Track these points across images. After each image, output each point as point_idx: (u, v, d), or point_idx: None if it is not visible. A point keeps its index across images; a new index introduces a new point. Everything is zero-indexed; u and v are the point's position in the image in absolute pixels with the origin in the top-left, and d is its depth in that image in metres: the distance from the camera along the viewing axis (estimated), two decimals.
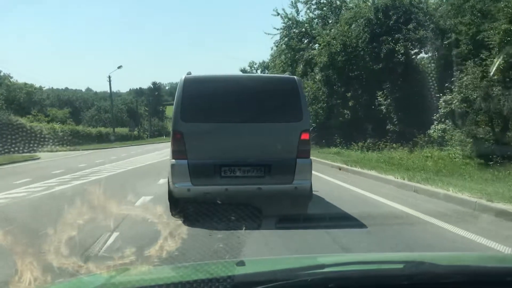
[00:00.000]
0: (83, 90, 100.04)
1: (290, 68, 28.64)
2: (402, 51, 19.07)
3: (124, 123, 65.69)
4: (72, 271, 2.16)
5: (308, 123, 5.80)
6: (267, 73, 39.67)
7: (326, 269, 1.63)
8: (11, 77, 60.52)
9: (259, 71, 59.08)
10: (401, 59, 19.44)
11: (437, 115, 15.67)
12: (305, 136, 5.70)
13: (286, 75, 7.05)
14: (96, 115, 65.77)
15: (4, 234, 2.33)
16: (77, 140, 37.13)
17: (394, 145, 16.88)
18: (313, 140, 26.97)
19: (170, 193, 5.60)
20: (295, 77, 6.17)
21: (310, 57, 26.70)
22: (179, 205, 5.43)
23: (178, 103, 5.66)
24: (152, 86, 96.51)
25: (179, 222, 4.14)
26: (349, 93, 22.03)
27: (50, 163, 17.27)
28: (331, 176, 10.06)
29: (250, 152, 5.51)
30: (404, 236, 4.67)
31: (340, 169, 11.82)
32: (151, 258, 2.45)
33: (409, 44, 19.03)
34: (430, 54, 18.97)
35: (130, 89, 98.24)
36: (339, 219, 5.37)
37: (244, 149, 5.51)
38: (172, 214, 5.29)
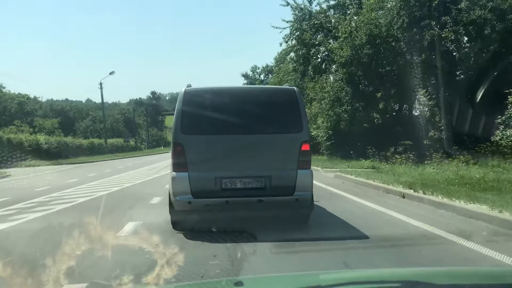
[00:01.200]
0: (83, 101, 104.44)
1: (302, 67, 26.26)
2: (452, 38, 16.06)
3: (121, 134, 66.16)
4: None
5: (308, 134, 6.08)
6: (271, 77, 39.17)
7: None
8: (4, 87, 57.61)
9: (262, 76, 58.35)
10: (450, 48, 16.76)
11: (504, 117, 13.18)
12: (305, 147, 5.86)
13: (286, 86, 7.11)
14: (91, 126, 65.03)
15: None
16: (65, 153, 35.48)
17: (435, 155, 14.91)
18: (328, 149, 23.83)
19: (171, 206, 5.89)
20: (294, 88, 6.41)
21: (326, 53, 24.32)
22: (180, 218, 5.71)
23: (178, 115, 5.92)
24: (151, 95, 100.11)
25: (175, 250, 4.06)
26: (379, 93, 17.35)
27: (4, 184, 15.14)
28: (402, 213, 7.06)
29: (250, 163, 5.74)
30: None
31: (403, 197, 8.56)
32: (148, 285, 2.55)
33: (461, 28, 15.99)
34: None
35: (130, 100, 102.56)
36: None
37: (245, 160, 5.75)
38: (173, 227, 5.70)
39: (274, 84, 36.89)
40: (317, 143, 25.08)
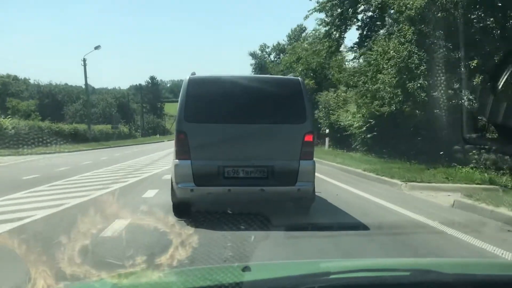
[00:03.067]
0: (83, 86, 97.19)
1: (336, 32, 20.86)
2: None
3: (114, 119, 61.71)
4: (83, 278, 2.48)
5: (311, 124, 6.58)
6: (284, 56, 37.23)
7: (332, 276, 1.77)
8: None
9: (272, 56, 54.04)
10: None
11: None
12: (308, 137, 6.31)
13: (290, 76, 7.68)
14: (81, 110, 60.22)
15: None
16: (42, 138, 30.01)
17: None
18: (365, 145, 18.65)
19: (173, 193, 6.55)
20: (299, 78, 6.87)
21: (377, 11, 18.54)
22: (182, 206, 6.41)
23: (182, 103, 6.42)
24: (149, 80, 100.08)
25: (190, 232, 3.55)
26: (475, 61, 12.96)
27: None
28: None
29: (253, 153, 6.25)
30: None
31: None
32: (161, 266, 2.69)
33: None
34: None
35: (130, 86, 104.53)
36: None
37: (248, 150, 6.27)
38: (175, 214, 6.20)
39: (289, 64, 34.79)
40: (348, 135, 20.72)
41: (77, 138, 37.91)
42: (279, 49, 49.98)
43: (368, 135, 17.78)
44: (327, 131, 25.68)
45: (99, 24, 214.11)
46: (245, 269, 1.77)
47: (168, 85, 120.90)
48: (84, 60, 41.61)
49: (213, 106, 6.44)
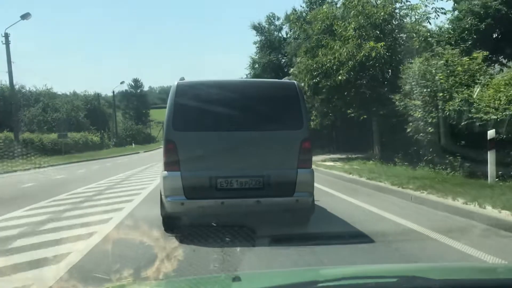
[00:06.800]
0: (68, 93, 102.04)
1: None
2: None
3: (81, 126, 54.42)
4: None
5: (308, 131, 6.31)
6: (319, 9, 23.23)
7: (320, 285, 1.80)
8: None
9: (283, 31, 41.85)
10: None
11: None
12: (306, 145, 6.09)
13: (286, 79, 7.89)
14: (39, 115, 53.14)
15: None
16: None
17: None
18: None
19: (163, 207, 6.34)
20: (295, 82, 6.72)
21: None
22: (172, 220, 6.19)
23: (170, 111, 6.17)
24: (132, 83, 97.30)
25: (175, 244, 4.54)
26: None
27: None
28: None
29: (247, 162, 6.03)
30: None
31: None
32: (148, 279, 2.72)
33: None
34: None
35: (117, 92, 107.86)
36: None
37: (241, 159, 6.05)
38: (165, 230, 6.06)
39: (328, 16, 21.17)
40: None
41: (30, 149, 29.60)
42: (295, 19, 28.98)
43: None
44: (430, 131, 12.62)
45: (85, 29, 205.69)
46: (235, 279, 1.75)
47: (157, 91, 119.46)
48: (6, 34, 29.70)
49: (203, 113, 6.13)
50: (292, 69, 25.91)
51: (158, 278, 2.65)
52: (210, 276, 2.88)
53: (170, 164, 5.91)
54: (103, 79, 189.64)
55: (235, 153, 5.99)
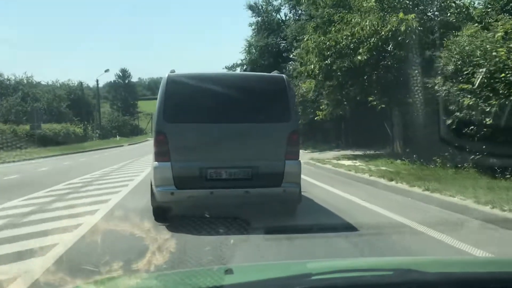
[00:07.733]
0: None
1: None
2: None
3: (63, 117, 50.92)
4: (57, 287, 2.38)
5: (296, 123, 6.65)
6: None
7: (314, 277, 1.82)
8: None
9: (282, 13, 37.53)
10: None
11: None
12: (293, 137, 6.33)
13: (275, 73, 7.27)
14: (18, 105, 48.29)
15: None
16: None
17: None
18: None
19: (153, 197, 6.51)
20: (283, 75, 6.85)
21: None
22: (163, 210, 6.35)
23: (161, 103, 6.34)
24: (120, 73, 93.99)
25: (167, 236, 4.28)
26: None
27: None
28: None
29: (236, 153, 6.22)
30: None
31: None
32: (139, 272, 2.63)
33: None
34: None
35: (105, 83, 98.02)
36: None
37: (231, 150, 6.24)
38: (155, 219, 6.17)
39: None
40: None
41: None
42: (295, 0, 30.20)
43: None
44: (488, 122, 10.38)
45: (77, 20, 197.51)
46: (228, 271, 1.80)
47: (147, 82, 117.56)
48: None
49: (193, 105, 6.36)
50: (297, 51, 22.48)
51: (149, 270, 2.66)
52: (202, 269, 2.87)
53: (160, 155, 6.15)
54: (91, 70, 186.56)
55: (225, 144, 6.21)
